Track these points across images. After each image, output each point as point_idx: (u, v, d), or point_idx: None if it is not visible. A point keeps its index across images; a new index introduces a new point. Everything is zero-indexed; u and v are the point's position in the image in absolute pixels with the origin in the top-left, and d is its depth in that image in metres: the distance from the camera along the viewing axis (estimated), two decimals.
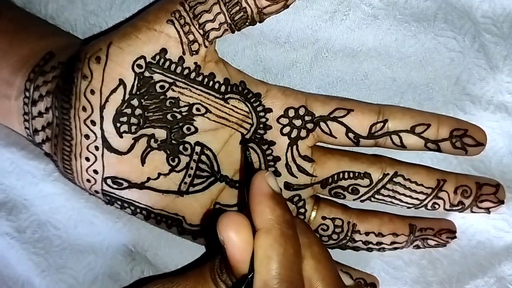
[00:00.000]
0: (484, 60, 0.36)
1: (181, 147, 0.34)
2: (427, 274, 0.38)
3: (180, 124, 0.34)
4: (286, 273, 0.26)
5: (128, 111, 0.33)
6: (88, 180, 0.34)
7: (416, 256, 0.38)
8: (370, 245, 0.37)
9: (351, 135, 0.34)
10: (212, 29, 0.32)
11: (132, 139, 0.33)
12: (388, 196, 0.35)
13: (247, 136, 0.35)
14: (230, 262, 0.27)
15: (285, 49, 0.36)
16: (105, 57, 0.32)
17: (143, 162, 0.34)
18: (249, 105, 0.34)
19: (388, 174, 0.35)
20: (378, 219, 0.36)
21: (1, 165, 0.38)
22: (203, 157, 0.35)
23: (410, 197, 0.35)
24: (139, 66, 0.32)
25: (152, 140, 0.34)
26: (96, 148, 0.33)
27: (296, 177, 0.35)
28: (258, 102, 0.34)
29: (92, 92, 0.32)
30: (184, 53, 0.32)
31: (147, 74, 0.32)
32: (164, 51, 0.32)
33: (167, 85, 0.33)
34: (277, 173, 0.35)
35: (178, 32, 0.32)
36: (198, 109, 0.34)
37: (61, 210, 0.38)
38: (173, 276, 0.31)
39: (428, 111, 0.35)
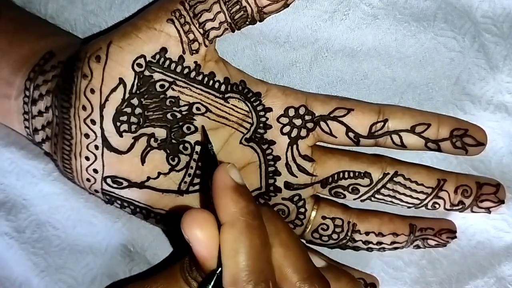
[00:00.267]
0: (484, 60, 0.36)
1: (181, 147, 0.34)
2: (427, 274, 0.38)
3: (180, 123, 0.34)
4: (255, 264, 0.26)
5: (128, 110, 0.33)
6: (88, 179, 0.34)
7: (416, 256, 0.38)
8: (370, 245, 0.36)
9: (351, 134, 0.34)
10: (212, 28, 0.32)
11: (132, 138, 0.33)
12: (388, 195, 0.35)
13: (247, 136, 0.35)
14: (198, 259, 0.27)
15: (284, 49, 0.36)
16: (105, 56, 0.32)
17: (143, 161, 0.34)
18: (249, 104, 0.34)
19: (388, 173, 0.35)
20: (378, 219, 0.36)
21: (1, 164, 0.38)
22: None
23: (410, 196, 0.35)
24: (139, 65, 0.32)
25: (152, 139, 0.34)
26: (96, 147, 0.33)
27: (296, 177, 0.35)
28: (258, 102, 0.34)
29: (92, 91, 0.32)
30: (184, 52, 0.32)
31: (147, 73, 0.32)
32: (164, 50, 0.32)
33: (167, 84, 0.33)
34: (277, 173, 0.35)
35: (178, 31, 0.32)
36: (198, 108, 0.34)
37: (60, 210, 0.38)
38: (143, 280, 0.30)
39: (428, 111, 0.35)
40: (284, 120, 0.34)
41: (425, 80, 0.36)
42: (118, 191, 0.34)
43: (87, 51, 0.33)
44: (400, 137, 0.34)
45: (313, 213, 0.36)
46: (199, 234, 0.27)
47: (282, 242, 0.29)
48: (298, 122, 0.34)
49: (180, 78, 0.33)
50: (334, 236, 0.36)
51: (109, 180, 0.34)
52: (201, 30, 0.32)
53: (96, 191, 0.35)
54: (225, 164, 0.29)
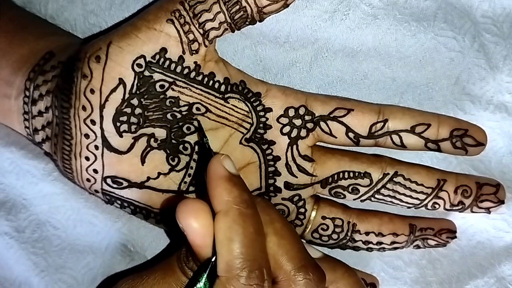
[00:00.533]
0: (484, 60, 0.36)
1: (181, 147, 0.34)
2: (427, 274, 0.38)
3: (180, 123, 0.34)
4: (249, 252, 0.27)
5: (128, 110, 0.33)
6: (88, 180, 0.34)
7: (416, 256, 0.38)
8: (370, 245, 0.36)
9: (351, 134, 0.34)
10: (212, 28, 0.32)
11: (132, 138, 0.33)
12: (388, 196, 0.35)
13: (247, 136, 0.35)
14: (193, 249, 0.28)
15: (284, 49, 0.36)
16: (105, 57, 0.32)
17: (143, 161, 0.34)
18: (249, 104, 0.34)
19: (388, 174, 0.35)
20: (378, 219, 0.36)
21: (1, 164, 0.38)
22: None
23: (410, 197, 0.35)
24: (139, 65, 0.32)
25: (152, 139, 0.34)
26: (96, 147, 0.33)
27: (296, 177, 0.35)
28: (258, 102, 0.34)
29: (92, 91, 0.32)
30: (184, 52, 0.32)
31: (147, 73, 0.32)
32: (164, 50, 0.32)
33: (167, 85, 0.33)
34: (277, 173, 0.35)
35: (178, 31, 0.32)
36: (198, 109, 0.34)
37: (60, 209, 0.38)
38: (141, 271, 0.31)
39: (428, 111, 0.35)
40: (284, 120, 0.34)
41: (425, 80, 0.36)
42: (118, 191, 0.34)
43: (87, 51, 0.33)
44: (400, 137, 0.34)
45: (313, 213, 0.36)
46: (194, 223, 0.27)
47: (276, 231, 0.29)
48: (298, 122, 0.34)
49: (180, 78, 0.33)
50: (334, 236, 0.36)
51: (109, 180, 0.34)
52: (201, 30, 0.32)
53: (96, 191, 0.35)
54: (219, 155, 0.29)
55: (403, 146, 0.35)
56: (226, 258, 0.27)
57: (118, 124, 0.33)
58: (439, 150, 0.35)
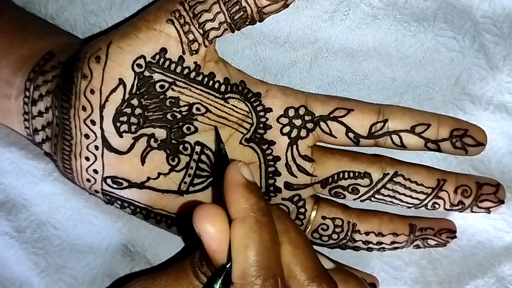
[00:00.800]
0: (484, 60, 0.36)
1: (181, 147, 0.34)
2: (427, 274, 0.38)
3: (180, 123, 0.34)
4: (264, 260, 0.27)
5: (128, 110, 0.33)
6: (88, 180, 0.34)
7: (416, 256, 0.38)
8: (370, 245, 0.37)
9: (351, 134, 0.34)
10: (212, 28, 0.32)
11: (132, 138, 0.33)
12: (388, 196, 0.35)
13: (247, 136, 0.35)
14: (208, 254, 0.28)
15: (285, 49, 0.36)
16: (105, 57, 0.32)
17: (143, 161, 0.34)
18: (249, 104, 0.34)
19: (388, 174, 0.35)
20: (378, 219, 0.36)
21: (1, 164, 0.38)
22: (203, 157, 0.35)
23: (410, 197, 0.35)
24: (139, 65, 0.32)
25: (152, 139, 0.34)
26: (96, 147, 0.33)
27: (296, 177, 0.35)
28: (258, 102, 0.34)
29: (92, 91, 0.32)
30: (184, 52, 0.32)
31: (147, 73, 0.32)
32: (164, 50, 0.32)
33: (167, 85, 0.33)
34: (277, 173, 0.35)
35: (178, 31, 0.32)
36: (198, 109, 0.34)
37: (60, 210, 0.38)
38: (154, 273, 0.31)
39: (428, 111, 0.35)
40: (284, 120, 0.34)
41: (425, 80, 0.36)
42: (118, 191, 0.34)
43: (87, 51, 0.33)
44: (400, 138, 0.34)
45: (313, 213, 0.36)
46: (210, 229, 0.27)
47: (291, 240, 0.29)
48: (298, 122, 0.34)
49: (180, 79, 0.33)
50: (334, 236, 0.36)
51: (109, 181, 0.34)
52: (200, 31, 0.32)
53: (96, 191, 0.35)
54: (237, 162, 0.29)
55: (403, 146, 0.35)
56: (241, 265, 0.27)
57: (118, 124, 0.33)
58: (439, 150, 0.35)
